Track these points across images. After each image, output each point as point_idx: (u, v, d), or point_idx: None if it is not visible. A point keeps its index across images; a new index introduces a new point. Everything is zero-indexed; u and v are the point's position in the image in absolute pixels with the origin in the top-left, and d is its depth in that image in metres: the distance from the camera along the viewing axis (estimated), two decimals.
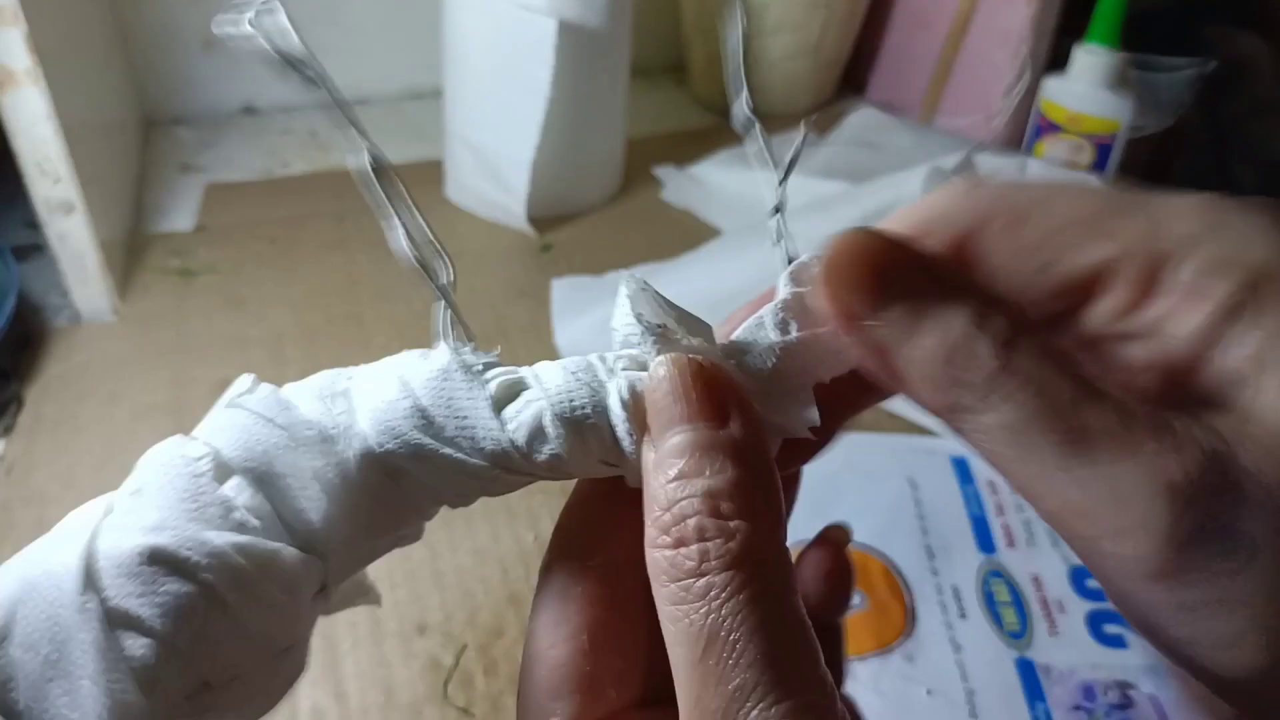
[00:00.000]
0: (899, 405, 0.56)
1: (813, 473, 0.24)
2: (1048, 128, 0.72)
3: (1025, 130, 0.74)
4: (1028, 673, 0.42)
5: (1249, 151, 0.80)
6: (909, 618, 0.44)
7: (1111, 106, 0.69)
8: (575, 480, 0.21)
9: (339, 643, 0.42)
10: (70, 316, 0.62)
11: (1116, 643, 0.43)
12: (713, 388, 0.18)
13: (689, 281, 0.64)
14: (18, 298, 0.58)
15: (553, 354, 0.59)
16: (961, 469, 0.52)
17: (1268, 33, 0.80)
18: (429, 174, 0.79)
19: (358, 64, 0.91)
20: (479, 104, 0.71)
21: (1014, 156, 0.69)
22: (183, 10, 0.84)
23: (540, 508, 0.49)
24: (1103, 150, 0.71)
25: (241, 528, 0.18)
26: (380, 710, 0.40)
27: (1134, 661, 0.42)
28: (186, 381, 0.57)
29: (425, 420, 0.19)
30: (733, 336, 0.20)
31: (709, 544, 0.16)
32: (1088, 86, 0.69)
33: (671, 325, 0.19)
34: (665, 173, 0.80)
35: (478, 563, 0.46)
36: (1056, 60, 0.81)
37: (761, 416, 0.18)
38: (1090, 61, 0.68)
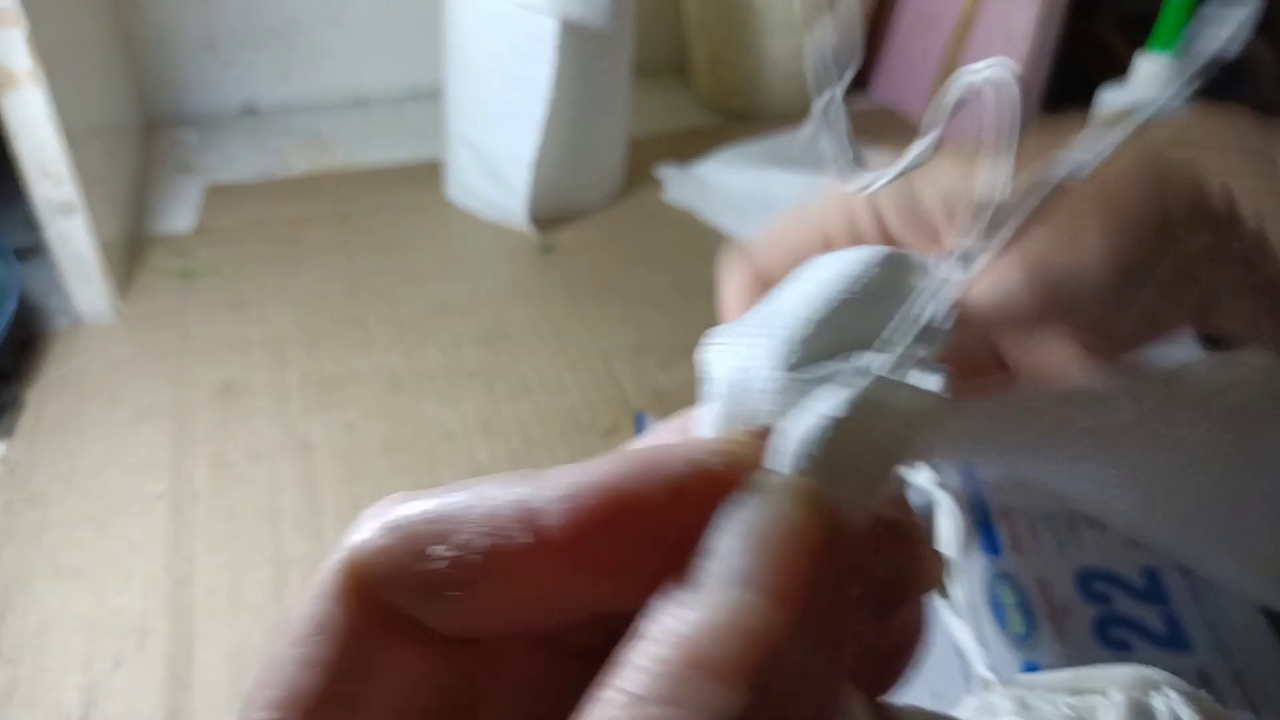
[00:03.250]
0: None
1: None
2: None
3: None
4: None
5: None
6: None
7: (1178, 114, 0.70)
8: None
9: None
10: (71, 318, 0.62)
11: (1122, 647, 0.43)
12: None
13: None
14: (19, 299, 0.58)
15: (555, 356, 0.59)
16: (966, 471, 0.52)
17: (1269, 34, 0.80)
18: (429, 174, 0.78)
19: (358, 64, 0.91)
20: (480, 104, 0.71)
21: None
22: (184, 11, 0.84)
23: None
24: None
25: None
26: None
27: (1139, 664, 0.42)
28: (188, 383, 0.57)
29: None
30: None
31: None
32: (1154, 96, 0.70)
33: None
34: (667, 172, 0.80)
35: None
36: (1060, 73, 0.81)
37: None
38: (1155, 70, 0.69)
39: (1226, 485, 0.23)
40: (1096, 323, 0.25)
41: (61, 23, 0.61)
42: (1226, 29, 0.16)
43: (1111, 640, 0.43)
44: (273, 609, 0.44)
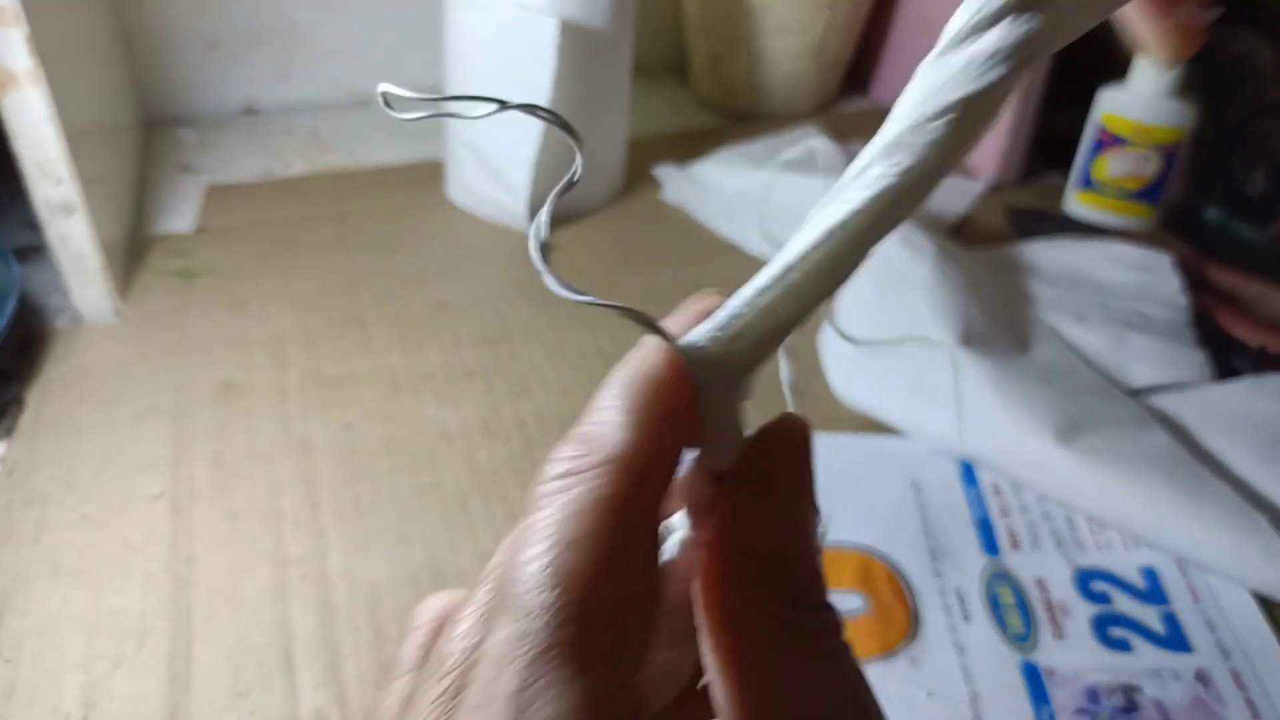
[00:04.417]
0: (907, 412, 0.56)
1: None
2: (1110, 141, 0.72)
3: (1082, 145, 0.74)
4: (1032, 676, 0.42)
5: (1252, 153, 0.79)
6: (913, 621, 0.44)
7: (1178, 114, 0.70)
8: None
9: (340, 646, 0.42)
10: (71, 318, 0.62)
11: (1121, 646, 0.43)
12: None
13: None
14: (19, 299, 0.58)
15: (555, 356, 0.59)
16: (966, 471, 0.52)
17: (1269, 32, 0.80)
18: (429, 174, 0.78)
19: (358, 64, 0.91)
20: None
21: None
22: (184, 11, 0.84)
23: None
24: (1168, 159, 0.71)
25: None
26: None
27: (1139, 664, 0.42)
28: (187, 383, 0.57)
29: None
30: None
31: None
32: (1153, 96, 0.70)
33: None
34: (664, 172, 0.80)
35: (479, 565, 0.46)
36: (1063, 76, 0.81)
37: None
38: (1155, 70, 0.69)
39: None
40: None
41: (61, 23, 0.61)
42: None
43: (1111, 639, 0.43)
44: (272, 609, 0.44)
